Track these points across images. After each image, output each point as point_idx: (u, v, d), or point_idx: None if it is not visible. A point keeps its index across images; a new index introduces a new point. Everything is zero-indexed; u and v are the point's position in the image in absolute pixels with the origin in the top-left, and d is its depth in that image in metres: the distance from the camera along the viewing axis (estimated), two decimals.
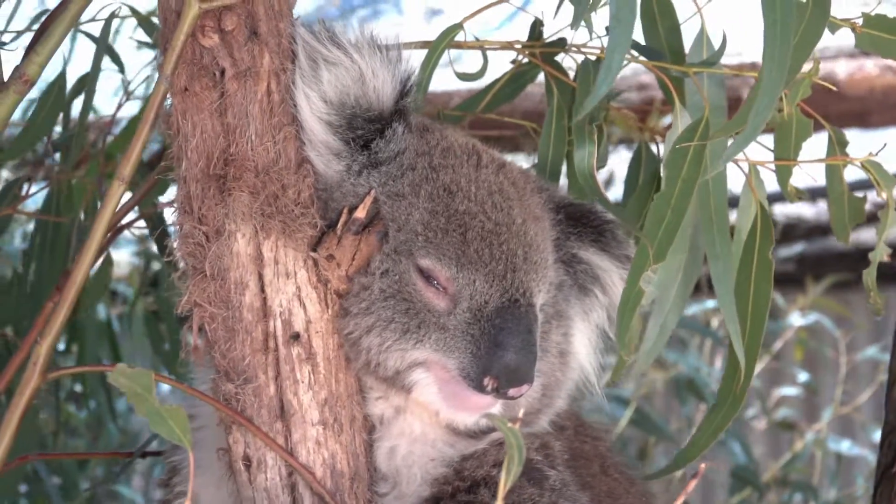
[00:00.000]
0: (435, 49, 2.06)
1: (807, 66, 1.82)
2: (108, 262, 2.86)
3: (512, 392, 1.62)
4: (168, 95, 1.70)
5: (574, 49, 2.08)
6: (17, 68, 1.80)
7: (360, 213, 1.67)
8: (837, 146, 2.07)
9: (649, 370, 4.57)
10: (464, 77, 2.20)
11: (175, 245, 1.72)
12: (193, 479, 1.79)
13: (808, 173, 2.02)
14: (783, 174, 2.02)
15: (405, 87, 1.72)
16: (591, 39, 2.00)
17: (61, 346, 3.31)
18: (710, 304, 4.79)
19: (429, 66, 2.05)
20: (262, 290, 1.68)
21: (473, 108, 2.29)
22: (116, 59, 2.81)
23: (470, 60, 2.25)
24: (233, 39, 1.67)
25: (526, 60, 2.16)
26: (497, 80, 2.24)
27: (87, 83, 2.52)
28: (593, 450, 1.91)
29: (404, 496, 1.71)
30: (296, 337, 1.68)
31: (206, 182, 1.68)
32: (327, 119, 1.68)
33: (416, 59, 1.96)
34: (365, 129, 1.69)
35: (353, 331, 1.67)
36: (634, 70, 4.32)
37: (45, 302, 2.08)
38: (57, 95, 2.53)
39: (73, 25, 1.80)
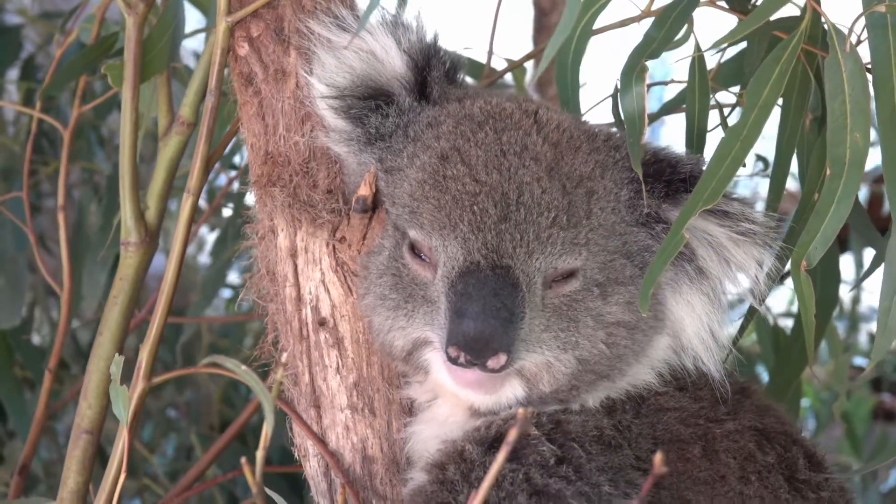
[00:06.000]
0: (577, 24, 1.92)
1: None
2: None
3: (490, 363, 1.47)
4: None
5: None
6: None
7: (363, 191, 1.64)
8: None
9: None
10: None
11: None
12: None
13: None
14: None
15: (422, 60, 1.67)
16: None
17: None
18: None
19: (571, 47, 1.91)
20: (297, 279, 1.70)
21: None
22: None
23: None
24: (260, 45, 1.75)
25: None
26: None
27: None
28: (700, 432, 1.63)
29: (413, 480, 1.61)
30: (322, 322, 1.67)
31: (258, 183, 1.75)
32: (330, 102, 1.68)
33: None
34: (357, 106, 1.67)
35: (364, 313, 1.64)
36: None
37: None
38: None
39: (209, 67, 1.98)
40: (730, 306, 1.70)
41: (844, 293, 3.64)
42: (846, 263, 3.65)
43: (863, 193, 3.77)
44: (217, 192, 2.87)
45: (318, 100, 1.70)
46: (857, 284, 2.21)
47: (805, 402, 4.04)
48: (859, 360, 3.72)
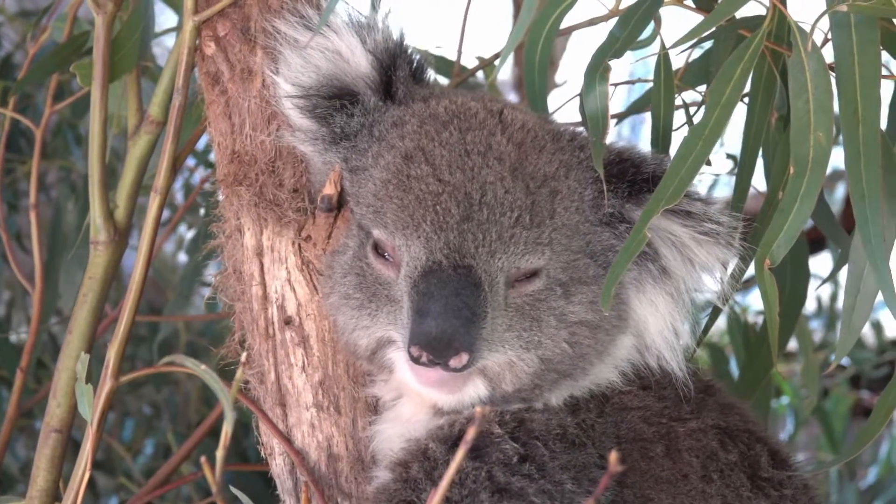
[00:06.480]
0: (543, 24, 1.91)
1: None
2: None
3: (452, 363, 1.48)
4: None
5: None
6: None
7: (328, 190, 1.65)
8: None
9: None
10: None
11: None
12: None
13: None
14: None
15: (387, 60, 1.67)
16: None
17: None
18: None
19: (538, 45, 1.90)
20: (263, 278, 1.71)
21: None
22: None
23: None
24: (227, 44, 1.76)
25: None
26: None
27: None
28: (663, 431, 1.64)
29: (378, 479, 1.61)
30: (288, 321, 1.68)
31: (225, 182, 1.76)
32: (295, 102, 1.68)
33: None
34: (322, 106, 1.67)
35: (329, 312, 1.64)
36: None
37: None
38: None
39: (176, 66, 1.98)
40: (701, 308, 1.71)
41: (823, 292, 3.65)
42: (825, 262, 3.65)
43: (840, 192, 3.78)
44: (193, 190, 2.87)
45: (284, 99, 1.70)
46: (824, 283, 2.22)
47: (785, 400, 4.05)
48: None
